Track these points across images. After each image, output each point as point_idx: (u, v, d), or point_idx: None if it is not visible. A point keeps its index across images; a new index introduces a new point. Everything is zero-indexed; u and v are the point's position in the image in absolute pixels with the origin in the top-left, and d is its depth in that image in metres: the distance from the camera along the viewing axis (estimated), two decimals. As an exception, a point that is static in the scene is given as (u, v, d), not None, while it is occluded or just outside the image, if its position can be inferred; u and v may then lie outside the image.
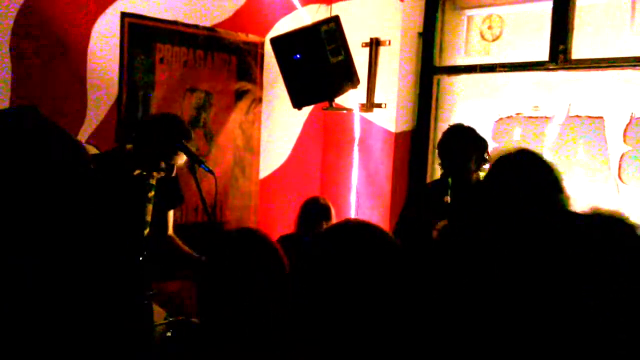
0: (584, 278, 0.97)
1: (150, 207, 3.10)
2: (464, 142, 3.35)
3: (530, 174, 2.00)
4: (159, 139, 2.94)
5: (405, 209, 3.74)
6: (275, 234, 4.40)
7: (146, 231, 3.09)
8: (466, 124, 3.51)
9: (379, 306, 1.26)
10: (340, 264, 1.29)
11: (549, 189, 1.94)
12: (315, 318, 1.28)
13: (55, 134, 1.22)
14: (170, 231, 3.41)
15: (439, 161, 3.41)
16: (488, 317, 1.04)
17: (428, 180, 4.61)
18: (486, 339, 1.03)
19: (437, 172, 4.45)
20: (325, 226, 4.10)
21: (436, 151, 3.53)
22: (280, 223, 4.57)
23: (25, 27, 3.48)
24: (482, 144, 3.38)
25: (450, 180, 3.26)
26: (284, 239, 4.32)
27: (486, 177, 2.22)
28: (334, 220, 4.25)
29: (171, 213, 3.42)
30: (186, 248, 3.36)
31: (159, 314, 3.10)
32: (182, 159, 3.02)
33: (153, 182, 3.07)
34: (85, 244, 1.15)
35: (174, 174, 3.05)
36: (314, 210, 4.21)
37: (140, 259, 3.00)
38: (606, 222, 1.07)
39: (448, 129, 3.46)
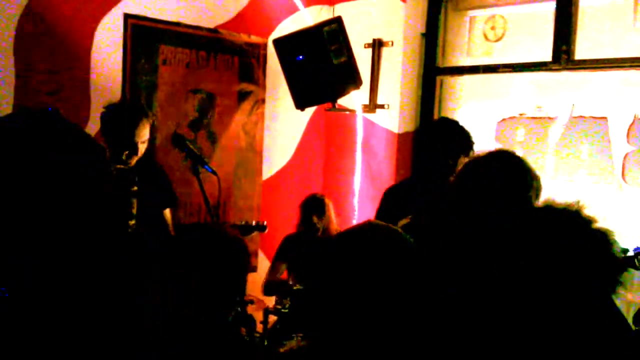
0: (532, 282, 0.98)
1: (134, 201, 3.11)
2: (446, 139, 3.17)
3: (496, 175, 1.94)
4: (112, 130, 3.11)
5: (378, 212, 3.62)
6: (278, 235, 4.41)
7: (131, 222, 3.09)
8: (461, 123, 3.38)
9: (396, 307, 1.25)
10: (361, 268, 1.28)
11: (514, 190, 1.89)
12: (332, 319, 1.27)
13: (80, 138, 1.21)
14: (171, 229, 3.41)
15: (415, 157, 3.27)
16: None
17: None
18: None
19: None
20: (317, 219, 4.13)
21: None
22: (284, 224, 4.57)
23: (28, 29, 3.48)
24: (466, 142, 3.21)
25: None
26: (288, 240, 4.33)
27: (454, 179, 2.14)
28: (332, 216, 4.26)
29: (167, 213, 3.42)
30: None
31: None
32: (143, 135, 3.15)
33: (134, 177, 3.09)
34: (87, 243, 1.14)
35: (138, 157, 3.15)
36: (310, 205, 4.24)
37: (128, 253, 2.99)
38: (558, 217, 1.07)
39: (431, 122, 3.33)
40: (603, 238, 1.20)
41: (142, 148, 3.15)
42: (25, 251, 1.07)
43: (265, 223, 3.80)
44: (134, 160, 3.13)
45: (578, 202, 1.31)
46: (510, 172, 1.95)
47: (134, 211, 3.07)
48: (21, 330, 1.04)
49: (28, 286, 1.05)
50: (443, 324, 1.06)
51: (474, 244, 1.03)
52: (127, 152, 3.10)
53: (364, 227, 1.41)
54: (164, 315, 1.62)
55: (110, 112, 3.19)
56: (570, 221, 1.13)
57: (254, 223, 3.80)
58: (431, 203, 2.96)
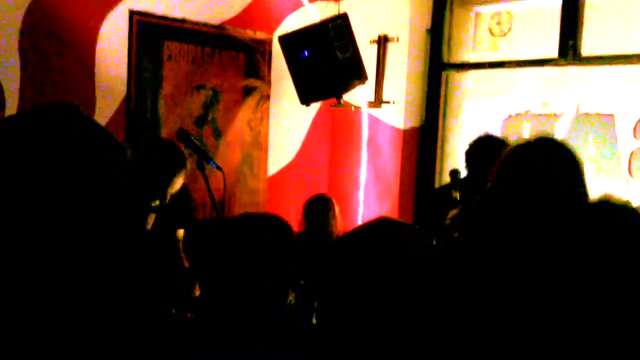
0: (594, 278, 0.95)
1: (152, 216, 3.09)
2: (494, 157, 3.27)
3: (547, 168, 1.87)
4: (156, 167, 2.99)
5: (419, 217, 3.73)
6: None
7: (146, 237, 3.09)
8: (491, 133, 3.45)
9: (413, 308, 1.23)
10: (375, 266, 1.25)
11: (568, 183, 1.82)
12: (346, 320, 1.25)
13: (103, 135, 1.20)
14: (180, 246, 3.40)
15: (466, 165, 3.32)
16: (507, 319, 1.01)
17: (436, 175, 4.59)
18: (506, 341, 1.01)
19: (445, 169, 4.44)
20: (325, 219, 4.11)
21: (444, 148, 3.48)
22: (289, 220, 4.55)
23: (34, 25, 3.48)
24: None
25: (459, 176, 3.25)
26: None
27: (499, 168, 2.08)
28: (338, 216, 4.25)
29: (181, 232, 3.40)
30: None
31: None
32: (177, 186, 3.05)
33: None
34: (103, 241, 1.13)
35: (167, 200, 3.06)
36: (315, 205, 4.21)
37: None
38: (620, 214, 1.04)
39: (477, 140, 3.35)
40: None
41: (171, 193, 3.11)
42: (41, 250, 1.06)
43: None
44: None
45: (628, 201, 1.26)
46: (567, 165, 1.88)
47: (148, 227, 3.06)
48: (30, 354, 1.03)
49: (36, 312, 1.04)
50: (489, 321, 1.04)
51: (532, 241, 1.00)
52: (157, 202, 3.04)
53: (377, 224, 1.37)
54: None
55: (147, 157, 3.05)
56: (634, 219, 1.09)
57: None
58: (481, 196, 3.03)
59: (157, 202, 3.02)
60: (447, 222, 3.07)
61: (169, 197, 3.08)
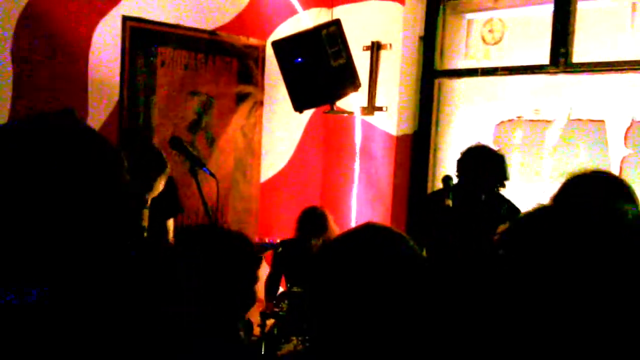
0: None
1: (146, 212, 3.11)
2: (486, 166, 3.32)
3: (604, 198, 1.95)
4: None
5: (409, 226, 3.76)
6: (276, 237, 4.40)
7: (144, 235, 3.10)
8: (486, 143, 3.51)
9: (398, 313, 1.24)
10: (361, 270, 1.26)
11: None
12: (330, 323, 1.26)
13: (98, 141, 1.20)
14: (171, 236, 3.42)
15: (457, 174, 3.37)
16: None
17: (428, 181, 4.61)
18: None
19: (438, 175, 4.46)
20: (321, 236, 4.08)
21: (436, 154, 3.50)
22: (281, 226, 4.57)
23: (27, 30, 3.48)
24: (500, 164, 3.35)
25: (451, 182, 3.27)
26: (285, 243, 4.31)
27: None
28: (333, 228, 4.23)
29: (170, 221, 3.43)
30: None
31: None
32: (158, 190, 3.09)
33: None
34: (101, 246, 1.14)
35: (148, 204, 3.08)
36: (310, 220, 4.18)
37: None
38: None
39: (469, 149, 3.40)
40: None
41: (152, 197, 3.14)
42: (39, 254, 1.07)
43: (278, 241, 3.82)
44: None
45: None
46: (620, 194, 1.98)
47: (145, 223, 3.08)
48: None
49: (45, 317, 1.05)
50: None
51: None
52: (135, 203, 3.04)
53: (363, 229, 1.39)
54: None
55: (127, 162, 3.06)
56: None
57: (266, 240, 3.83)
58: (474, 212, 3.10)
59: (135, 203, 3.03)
60: (496, 237, 3.07)
61: (149, 202, 3.09)
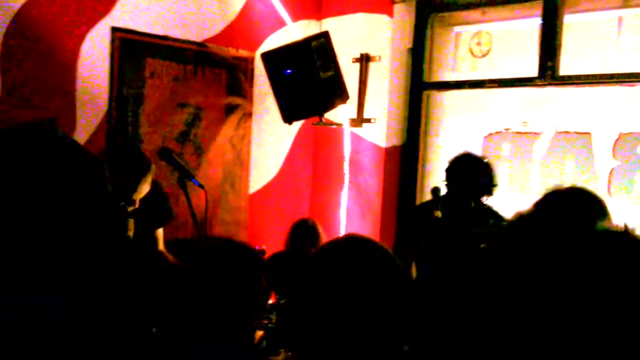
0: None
1: (132, 221, 3.07)
2: (471, 172, 3.35)
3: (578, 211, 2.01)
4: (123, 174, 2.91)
5: (398, 237, 3.77)
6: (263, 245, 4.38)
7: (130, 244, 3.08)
8: (473, 152, 3.55)
9: (378, 323, 1.26)
10: (341, 280, 1.28)
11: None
12: (314, 334, 1.27)
13: (78, 152, 1.20)
14: (161, 246, 3.39)
15: (446, 183, 3.38)
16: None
17: (417, 193, 4.62)
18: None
19: (427, 187, 4.47)
20: (313, 248, 4.07)
21: (425, 166, 3.52)
22: (270, 238, 4.55)
23: (15, 41, 3.47)
24: (486, 170, 3.37)
25: (440, 193, 3.28)
26: (275, 257, 4.29)
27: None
28: (324, 240, 4.22)
29: (160, 231, 3.40)
30: (175, 261, 3.35)
31: None
32: (144, 192, 3.02)
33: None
34: (83, 257, 1.14)
35: (137, 206, 3.03)
36: (301, 233, 4.18)
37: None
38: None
39: (457, 158, 3.43)
40: None
41: (139, 198, 3.08)
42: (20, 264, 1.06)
43: (264, 247, 3.76)
44: (131, 208, 3.06)
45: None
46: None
47: (131, 233, 3.04)
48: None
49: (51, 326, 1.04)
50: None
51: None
52: (123, 204, 3.00)
53: (344, 240, 1.42)
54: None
55: (111, 163, 3.04)
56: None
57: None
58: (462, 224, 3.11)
59: (123, 205, 2.98)
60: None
61: (137, 203, 3.05)
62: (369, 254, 1.32)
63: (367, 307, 1.25)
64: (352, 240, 1.41)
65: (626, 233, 1.04)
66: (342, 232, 4.79)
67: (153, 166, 3.12)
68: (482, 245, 1.17)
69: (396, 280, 1.30)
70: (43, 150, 1.15)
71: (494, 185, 3.35)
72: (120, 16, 3.88)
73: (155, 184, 3.41)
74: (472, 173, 3.33)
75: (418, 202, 4.55)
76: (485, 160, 3.45)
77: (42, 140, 1.17)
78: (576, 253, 0.99)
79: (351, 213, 4.80)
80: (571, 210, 1.99)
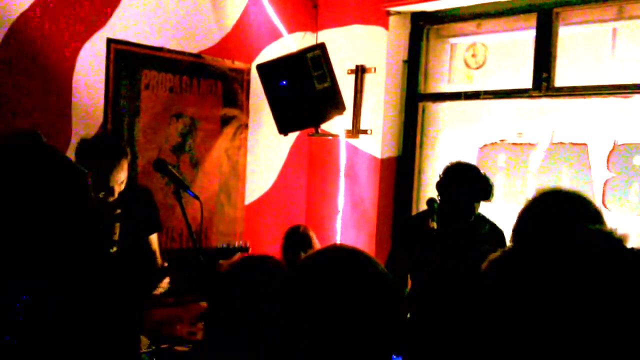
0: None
1: (117, 225, 3.07)
2: (462, 178, 3.32)
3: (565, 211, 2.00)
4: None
5: (393, 247, 3.77)
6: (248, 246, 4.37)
7: (113, 249, 3.06)
8: (465, 160, 3.53)
9: (364, 334, 1.25)
10: (325, 291, 1.28)
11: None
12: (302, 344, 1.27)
13: (60, 161, 1.21)
14: (158, 258, 3.37)
15: (437, 194, 3.37)
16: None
17: (413, 204, 4.63)
18: None
19: (422, 198, 4.47)
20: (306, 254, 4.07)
21: (421, 177, 3.52)
22: (266, 249, 4.54)
23: (10, 53, 3.47)
24: (477, 176, 3.34)
25: (436, 205, 3.27)
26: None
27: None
28: (317, 247, 4.22)
29: (154, 238, 3.37)
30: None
31: (142, 343, 3.08)
32: (121, 177, 3.01)
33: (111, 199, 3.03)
34: (65, 263, 1.14)
35: (115, 196, 3.03)
36: (293, 240, 4.18)
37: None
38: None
39: (449, 167, 3.41)
40: None
41: (119, 188, 3.05)
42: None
43: (248, 244, 3.76)
44: (112, 198, 3.04)
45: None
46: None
47: (116, 237, 3.04)
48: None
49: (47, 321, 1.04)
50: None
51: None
52: (103, 193, 2.99)
53: (328, 250, 1.42)
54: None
55: (85, 150, 3.00)
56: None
57: (236, 244, 3.74)
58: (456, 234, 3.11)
59: (102, 194, 2.95)
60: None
61: (116, 194, 3.03)
62: (352, 263, 1.32)
63: (350, 317, 1.25)
64: (335, 250, 1.41)
65: (606, 233, 1.04)
66: (338, 242, 4.78)
67: (127, 151, 3.13)
68: (484, 263, 1.17)
69: (381, 290, 1.29)
70: (26, 160, 1.16)
71: (490, 188, 3.31)
72: (116, 28, 3.89)
73: (146, 194, 3.40)
74: (461, 178, 3.32)
75: (414, 213, 4.54)
76: (474, 166, 3.45)
77: (26, 150, 1.17)
78: (555, 256, 1.00)
79: (347, 224, 4.80)
80: (551, 213, 1.99)
